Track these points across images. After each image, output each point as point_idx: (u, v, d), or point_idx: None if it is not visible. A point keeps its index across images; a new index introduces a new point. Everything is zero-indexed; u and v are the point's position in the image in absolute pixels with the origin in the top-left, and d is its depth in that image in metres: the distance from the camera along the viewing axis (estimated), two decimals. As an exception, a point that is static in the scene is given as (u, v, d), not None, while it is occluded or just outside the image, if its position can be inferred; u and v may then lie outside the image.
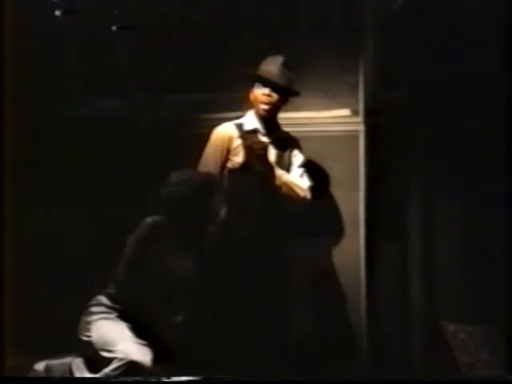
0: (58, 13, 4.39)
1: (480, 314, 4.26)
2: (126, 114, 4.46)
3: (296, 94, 4.11)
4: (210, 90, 4.41)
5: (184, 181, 3.90)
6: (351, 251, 4.39)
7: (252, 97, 4.09)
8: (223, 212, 3.96)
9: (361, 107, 4.44)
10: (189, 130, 4.37)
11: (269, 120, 4.10)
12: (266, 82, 4.03)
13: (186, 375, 3.70)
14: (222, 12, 4.42)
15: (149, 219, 3.89)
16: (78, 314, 3.88)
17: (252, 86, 4.08)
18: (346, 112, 4.47)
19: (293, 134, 4.21)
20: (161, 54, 4.43)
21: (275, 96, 4.05)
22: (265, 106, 4.06)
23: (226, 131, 4.08)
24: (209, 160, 4.05)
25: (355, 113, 4.45)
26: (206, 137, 4.07)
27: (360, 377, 4.20)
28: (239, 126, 4.09)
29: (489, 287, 4.26)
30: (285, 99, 4.09)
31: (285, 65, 4.05)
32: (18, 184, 4.24)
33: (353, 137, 4.43)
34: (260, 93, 4.05)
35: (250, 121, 4.11)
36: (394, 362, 4.31)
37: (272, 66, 4.04)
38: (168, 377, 3.68)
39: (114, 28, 4.42)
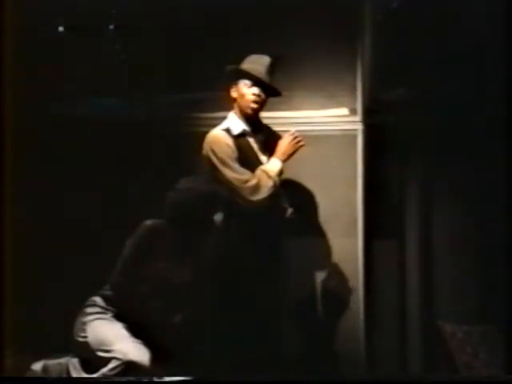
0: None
1: (478, 314, 4.25)
2: (124, 113, 4.46)
3: (280, 94, 4.08)
4: (207, 89, 4.40)
5: (190, 189, 3.90)
6: (350, 251, 4.38)
7: (237, 95, 4.03)
8: (223, 222, 3.96)
9: (359, 106, 4.43)
10: (187, 129, 4.38)
11: (254, 120, 4.05)
12: (257, 82, 3.97)
13: (182, 375, 3.70)
14: (223, 10, 4.42)
15: (148, 222, 3.89)
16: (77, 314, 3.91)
17: (233, 83, 4.03)
18: (344, 111, 4.46)
19: (280, 132, 4.17)
20: (158, 54, 4.45)
21: (263, 96, 4.01)
22: (254, 106, 3.99)
23: (223, 137, 3.99)
24: (232, 166, 3.94)
25: (353, 112, 4.44)
26: (203, 136, 4.04)
27: (359, 377, 4.20)
28: (227, 131, 4.01)
29: (487, 287, 4.25)
30: (267, 98, 4.04)
31: (271, 65, 4.00)
32: (18, 184, 4.25)
33: (351, 136, 4.41)
34: (248, 91, 3.99)
35: (236, 124, 4.04)
36: (393, 362, 4.31)
37: (260, 66, 3.99)
38: (165, 377, 3.68)
39: (111, 27, 4.44)
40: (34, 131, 4.37)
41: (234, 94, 4.05)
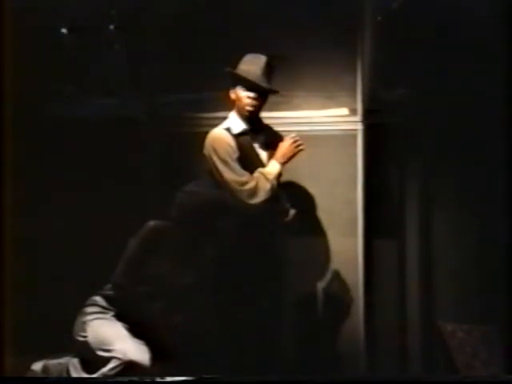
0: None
1: (478, 314, 4.25)
2: (124, 113, 4.46)
3: (276, 92, 4.07)
4: (207, 89, 4.40)
5: (197, 193, 3.91)
6: (350, 251, 4.39)
7: (235, 97, 4.03)
8: (225, 223, 3.96)
9: (359, 106, 4.43)
10: (186, 129, 4.38)
11: (254, 120, 4.04)
12: (251, 86, 3.96)
13: (182, 375, 3.70)
14: (223, 10, 4.42)
15: (151, 223, 3.89)
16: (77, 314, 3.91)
17: (232, 85, 4.02)
18: (344, 111, 4.46)
19: (280, 132, 4.17)
20: (158, 54, 4.45)
21: (259, 98, 3.99)
22: (250, 108, 3.99)
23: (225, 137, 3.99)
24: (232, 167, 3.95)
25: (353, 112, 4.44)
26: (203, 136, 4.04)
27: (359, 377, 4.20)
28: (228, 130, 4.01)
29: (487, 287, 4.25)
30: (266, 98, 4.04)
31: (268, 65, 3.99)
32: (18, 184, 4.25)
33: (351, 136, 4.42)
34: (244, 95, 3.98)
35: (236, 123, 4.04)
36: (393, 362, 4.31)
37: (255, 67, 3.97)
38: (165, 377, 3.68)
39: (111, 27, 4.44)
40: (33, 131, 4.36)
41: (232, 95, 4.05)
